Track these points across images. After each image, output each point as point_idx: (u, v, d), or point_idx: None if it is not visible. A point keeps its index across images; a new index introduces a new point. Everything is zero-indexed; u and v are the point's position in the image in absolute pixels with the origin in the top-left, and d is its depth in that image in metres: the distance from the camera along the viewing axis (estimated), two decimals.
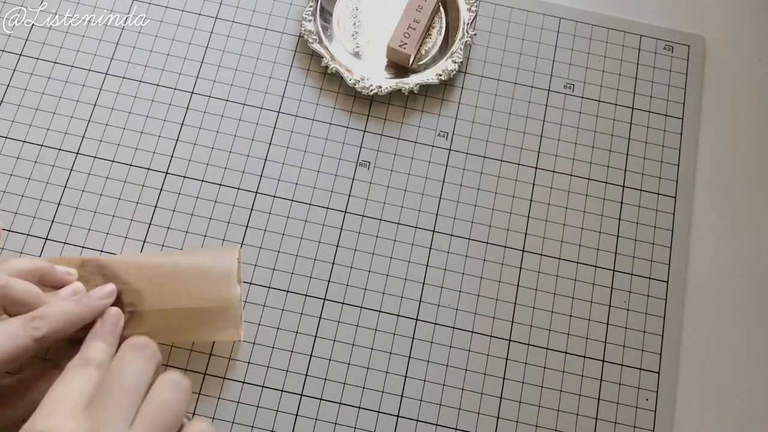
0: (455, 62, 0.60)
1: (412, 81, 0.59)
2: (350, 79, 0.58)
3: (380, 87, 0.58)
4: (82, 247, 0.54)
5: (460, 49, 0.60)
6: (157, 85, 0.59)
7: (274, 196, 0.57)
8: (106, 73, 0.59)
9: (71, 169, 0.56)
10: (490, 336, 0.55)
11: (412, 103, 0.60)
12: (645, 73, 0.62)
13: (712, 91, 0.62)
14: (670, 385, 0.54)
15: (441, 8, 0.63)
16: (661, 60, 0.63)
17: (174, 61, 0.60)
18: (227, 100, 0.59)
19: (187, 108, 0.59)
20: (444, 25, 0.62)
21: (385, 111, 0.60)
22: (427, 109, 0.60)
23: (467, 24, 0.61)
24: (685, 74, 0.62)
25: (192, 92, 0.59)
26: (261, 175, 0.57)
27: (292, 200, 0.57)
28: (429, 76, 0.59)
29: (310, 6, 0.60)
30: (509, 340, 0.55)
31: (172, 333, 0.51)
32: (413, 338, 0.54)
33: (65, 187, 0.56)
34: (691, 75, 0.62)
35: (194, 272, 0.50)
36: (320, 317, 0.54)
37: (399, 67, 0.60)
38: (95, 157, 0.57)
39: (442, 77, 0.59)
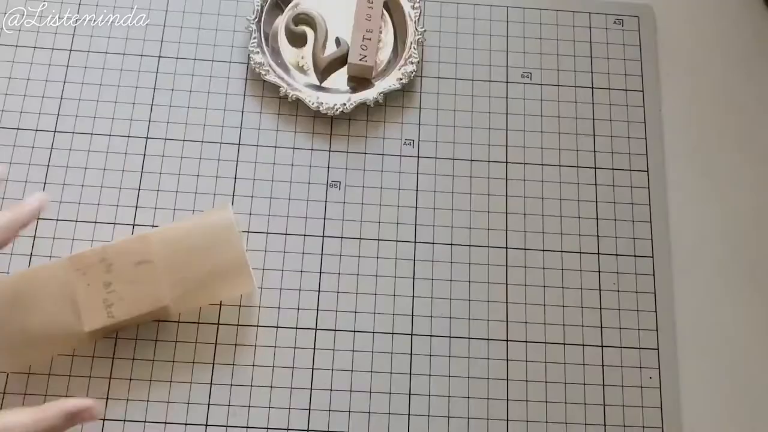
0: (412, 62, 0.59)
1: (374, 91, 0.58)
2: (313, 104, 0.57)
3: (344, 105, 0.57)
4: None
5: (414, 49, 0.59)
6: (109, 135, 0.57)
7: (248, 232, 0.55)
8: (55, 131, 0.57)
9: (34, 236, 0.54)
10: (487, 339, 0.54)
11: (373, 115, 0.59)
12: (599, 50, 0.62)
13: (668, 58, 0.62)
14: (671, 360, 0.54)
15: (384, 11, 0.61)
16: (613, 35, 0.62)
17: (123, 108, 0.58)
18: (184, 140, 0.57)
19: (144, 154, 0.57)
20: (391, 28, 0.61)
21: (347, 127, 0.59)
22: (389, 119, 0.59)
23: (415, 21, 0.60)
24: (639, 46, 0.62)
25: (147, 137, 0.57)
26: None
27: (267, 233, 0.55)
28: (390, 82, 0.58)
29: (254, 38, 0.59)
30: (507, 340, 0.54)
31: (190, 296, 0.50)
32: (411, 354, 0.54)
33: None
34: (644, 46, 0.62)
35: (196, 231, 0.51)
36: (314, 348, 0.53)
37: (359, 79, 0.59)
38: (57, 220, 0.55)
39: (403, 81, 0.58)
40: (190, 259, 0.50)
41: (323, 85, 0.59)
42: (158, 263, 0.49)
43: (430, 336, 0.54)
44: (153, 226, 0.55)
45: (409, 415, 0.52)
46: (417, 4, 0.61)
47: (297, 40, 0.60)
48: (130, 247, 0.49)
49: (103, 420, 0.51)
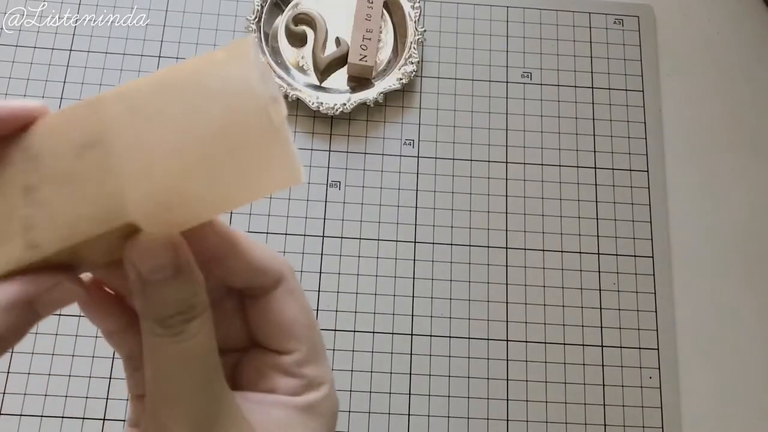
0: (412, 62, 0.59)
1: (375, 91, 0.58)
2: (313, 104, 0.57)
3: (344, 105, 0.57)
4: None
5: (414, 49, 0.59)
6: None
7: (248, 232, 0.55)
8: None
9: None
10: (487, 339, 0.54)
11: (373, 114, 0.59)
12: (599, 50, 0.62)
13: (668, 58, 0.62)
14: (671, 360, 0.54)
15: (384, 11, 0.61)
16: (613, 35, 0.62)
17: None
18: None
19: None
20: (391, 28, 0.61)
21: (347, 127, 0.59)
22: (389, 119, 0.59)
23: (415, 21, 0.60)
24: (639, 46, 0.62)
25: None
26: (231, 213, 0.56)
27: (267, 233, 0.55)
28: (390, 82, 0.58)
29: (254, 37, 0.58)
30: (507, 340, 0.54)
31: (178, 201, 0.26)
32: (411, 354, 0.54)
33: None
34: (644, 46, 0.62)
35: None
36: None
37: (359, 79, 0.59)
38: None
39: (403, 81, 0.58)
40: (175, 134, 0.25)
41: (323, 85, 0.59)
42: (116, 144, 0.26)
43: (430, 336, 0.54)
44: None
45: (409, 415, 0.52)
46: (417, 4, 0.61)
47: (297, 40, 0.60)
48: (70, 121, 0.26)
49: (104, 420, 0.51)
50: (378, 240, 0.56)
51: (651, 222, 0.58)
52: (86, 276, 0.29)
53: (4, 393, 0.51)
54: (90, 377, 0.51)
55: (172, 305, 0.26)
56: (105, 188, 0.25)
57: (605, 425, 0.53)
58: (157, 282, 0.26)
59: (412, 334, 0.54)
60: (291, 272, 0.31)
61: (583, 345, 0.54)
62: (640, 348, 0.55)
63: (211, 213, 0.27)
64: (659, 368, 0.54)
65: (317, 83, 0.59)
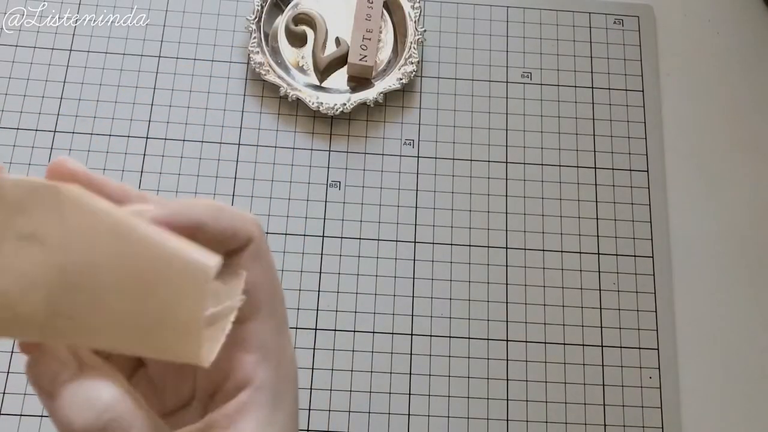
0: (412, 62, 0.59)
1: (374, 91, 0.58)
2: (313, 104, 0.57)
3: (344, 104, 0.57)
4: None
5: (414, 49, 0.59)
6: (109, 135, 0.57)
7: None
8: (55, 131, 0.57)
9: None
10: (487, 339, 0.54)
11: (373, 115, 0.59)
12: (599, 50, 0.62)
13: (668, 58, 0.62)
14: (671, 360, 0.54)
15: (384, 11, 0.61)
16: (613, 35, 0.62)
17: (123, 107, 0.58)
18: (184, 140, 0.57)
19: (144, 154, 0.57)
20: (391, 28, 0.61)
21: (347, 127, 0.59)
22: (389, 119, 0.59)
23: (415, 21, 0.60)
24: (639, 46, 0.62)
25: (147, 137, 0.57)
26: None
27: (267, 232, 0.55)
28: (390, 82, 0.58)
29: (254, 38, 0.59)
30: (507, 340, 0.54)
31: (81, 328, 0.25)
32: (411, 354, 0.54)
33: None
34: (644, 46, 0.62)
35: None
36: (314, 348, 0.53)
37: (359, 79, 0.59)
38: None
39: (403, 81, 0.58)
40: (108, 275, 0.24)
41: (323, 85, 0.59)
42: (53, 250, 0.24)
43: (430, 336, 0.54)
44: None
45: (409, 415, 0.52)
46: (417, 4, 0.61)
47: (297, 40, 0.60)
48: (26, 198, 0.25)
49: None
50: (378, 240, 0.56)
51: (651, 222, 0.58)
52: None
53: (4, 393, 0.51)
54: None
55: (87, 416, 0.23)
56: (20, 290, 0.24)
57: (605, 425, 0.53)
58: (63, 388, 0.24)
59: (412, 334, 0.54)
60: (260, 233, 0.30)
61: (583, 345, 0.54)
62: (640, 348, 0.55)
63: (106, 346, 0.25)
64: (659, 368, 0.54)
65: (317, 83, 0.59)
